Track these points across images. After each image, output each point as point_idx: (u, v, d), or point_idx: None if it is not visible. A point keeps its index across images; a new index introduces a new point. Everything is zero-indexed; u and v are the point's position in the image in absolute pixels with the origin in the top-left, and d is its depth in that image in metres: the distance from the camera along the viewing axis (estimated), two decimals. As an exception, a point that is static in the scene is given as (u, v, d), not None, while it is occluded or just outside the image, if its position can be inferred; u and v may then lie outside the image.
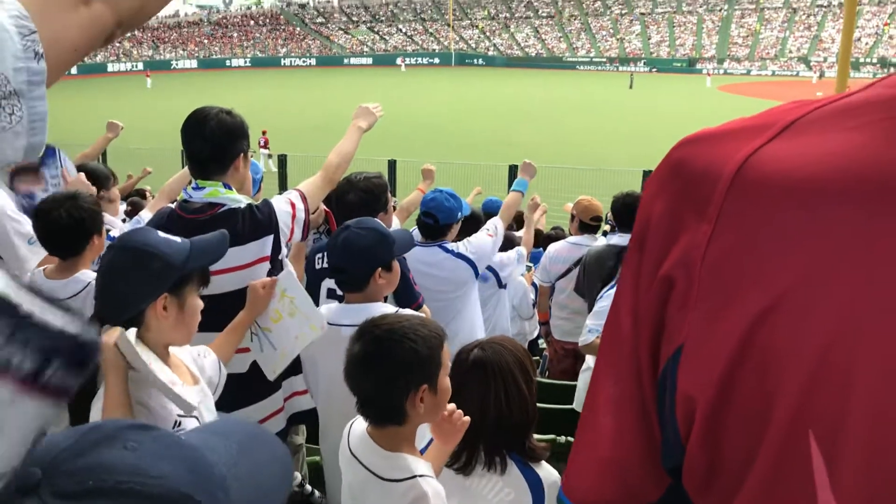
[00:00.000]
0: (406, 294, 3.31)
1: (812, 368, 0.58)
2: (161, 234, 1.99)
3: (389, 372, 1.88)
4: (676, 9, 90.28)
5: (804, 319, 0.59)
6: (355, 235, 2.73)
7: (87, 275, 2.82)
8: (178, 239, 2.00)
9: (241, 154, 2.90)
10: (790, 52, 74.28)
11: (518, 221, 8.92)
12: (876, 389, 0.55)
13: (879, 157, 0.57)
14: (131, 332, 1.84)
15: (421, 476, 1.86)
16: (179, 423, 1.92)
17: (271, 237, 2.81)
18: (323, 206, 3.74)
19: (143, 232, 2.01)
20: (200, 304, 2.06)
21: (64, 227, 2.82)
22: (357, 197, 3.54)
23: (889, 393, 0.55)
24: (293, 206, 2.92)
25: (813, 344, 0.58)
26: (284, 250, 2.91)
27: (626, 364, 0.76)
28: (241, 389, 2.69)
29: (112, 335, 1.83)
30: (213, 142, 2.82)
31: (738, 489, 0.65)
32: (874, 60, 64.33)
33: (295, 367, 2.98)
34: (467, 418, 2.01)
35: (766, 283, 0.60)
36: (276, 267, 2.88)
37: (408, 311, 2.63)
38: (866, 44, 68.91)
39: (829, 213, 0.58)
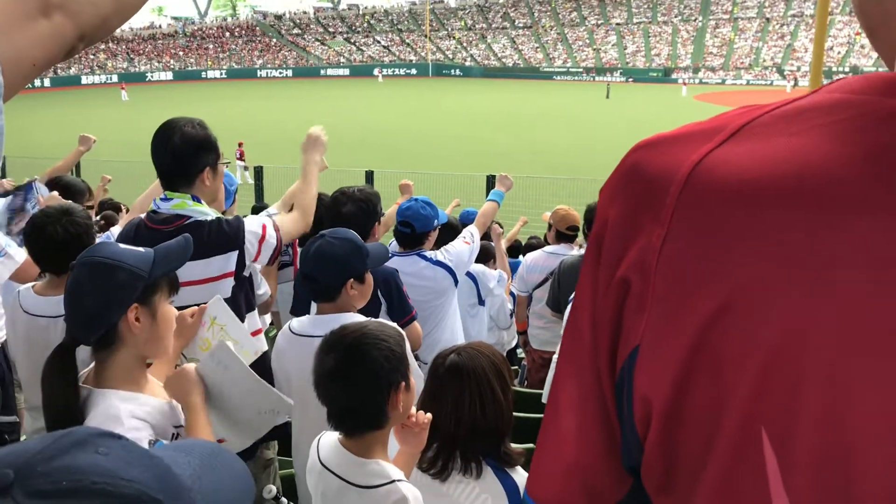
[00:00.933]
0: (400, 306, 3.31)
1: (762, 369, 0.59)
2: (122, 245, 1.97)
3: (369, 377, 1.89)
4: (651, 19, 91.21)
5: (753, 322, 0.60)
6: (328, 245, 2.72)
7: None
8: (140, 249, 1.98)
9: (208, 167, 2.88)
10: (764, 61, 75.23)
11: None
12: (823, 390, 0.56)
13: (819, 161, 0.59)
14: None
15: (399, 480, 1.87)
16: None
17: (236, 253, 2.80)
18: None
19: (103, 246, 1.97)
20: (174, 312, 2.03)
21: (60, 243, 2.78)
22: (355, 208, 3.55)
23: (835, 393, 0.56)
24: (264, 228, 2.90)
25: (762, 346, 0.59)
26: (255, 267, 2.89)
27: (586, 366, 0.77)
28: None
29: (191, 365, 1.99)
30: (177, 155, 2.81)
31: (695, 488, 0.66)
32: (846, 69, 65.24)
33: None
34: (429, 416, 2.04)
35: (716, 286, 0.62)
36: (240, 283, 2.86)
37: (361, 317, 2.62)
38: (839, 53, 69.92)
39: (772, 217, 0.60)
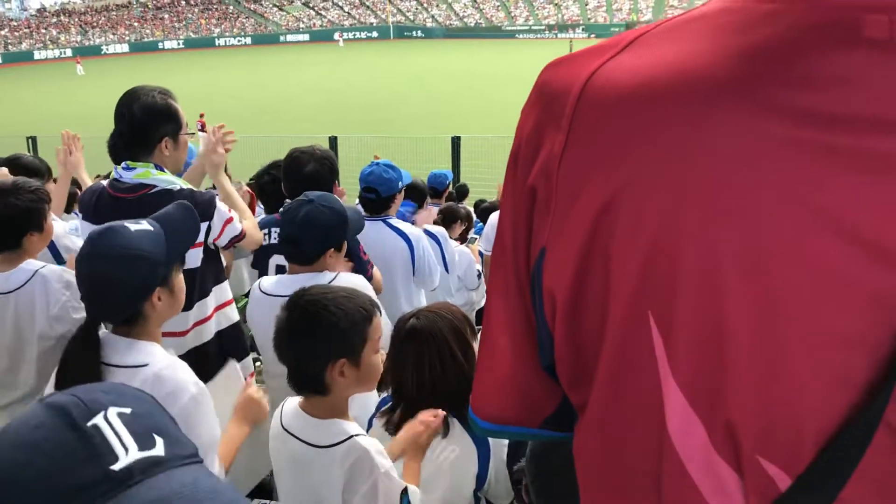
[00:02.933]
0: (359, 264, 3.31)
1: (644, 257, 0.64)
2: (132, 228, 1.96)
3: (307, 342, 1.89)
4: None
5: (636, 212, 0.64)
6: (318, 212, 2.72)
7: (33, 264, 2.75)
8: (149, 227, 1.99)
9: (167, 137, 2.86)
10: (724, 12, 75.17)
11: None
12: (696, 271, 0.62)
13: (697, 63, 0.63)
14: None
15: (357, 435, 1.88)
16: None
17: (206, 225, 2.79)
18: (246, 188, 3.72)
19: (117, 235, 1.94)
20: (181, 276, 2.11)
21: (5, 219, 2.75)
22: (318, 166, 3.50)
23: (706, 272, 0.62)
24: (231, 217, 2.90)
25: (643, 235, 0.64)
26: (219, 241, 2.89)
27: (511, 277, 0.82)
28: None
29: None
30: (135, 124, 2.79)
31: (595, 376, 0.72)
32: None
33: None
34: (437, 421, 2.03)
35: (604, 183, 0.66)
36: (208, 255, 2.86)
37: (344, 281, 2.64)
38: None
39: (653, 114, 0.64)
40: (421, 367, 2.15)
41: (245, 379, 2.45)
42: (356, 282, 2.75)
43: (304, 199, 2.79)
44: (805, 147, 0.58)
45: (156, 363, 1.91)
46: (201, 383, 1.95)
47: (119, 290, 1.91)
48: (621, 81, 0.67)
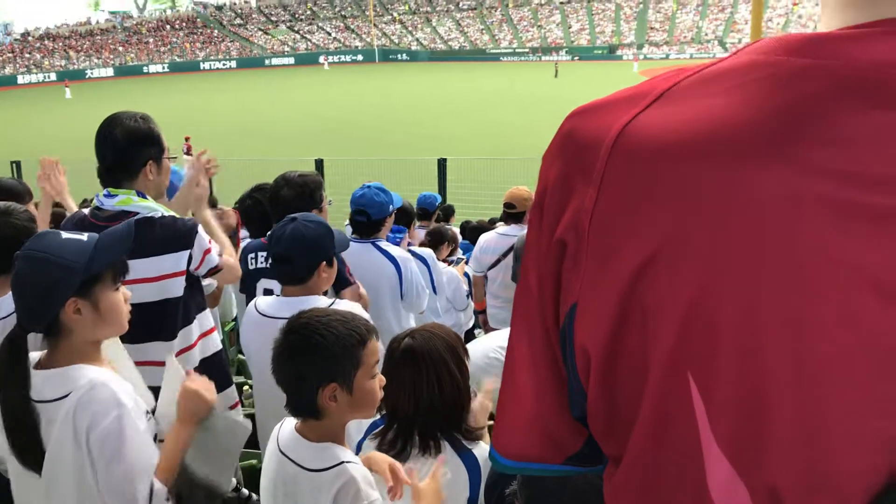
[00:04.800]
0: (339, 282, 3.29)
1: (683, 317, 0.63)
2: (65, 235, 1.96)
3: (298, 366, 1.89)
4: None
5: (674, 271, 0.63)
6: (304, 227, 2.73)
7: None
8: (83, 237, 1.96)
9: (151, 161, 2.84)
10: (706, 35, 76.20)
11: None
12: (736, 334, 0.61)
13: (732, 119, 0.62)
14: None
15: (347, 462, 1.86)
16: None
17: (188, 253, 2.77)
18: (231, 209, 3.70)
19: (45, 238, 1.96)
20: (121, 298, 2.03)
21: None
22: (292, 192, 3.50)
23: (747, 337, 0.61)
24: (211, 248, 2.88)
25: (684, 293, 0.63)
26: (199, 271, 2.87)
27: (536, 323, 0.81)
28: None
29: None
30: (119, 149, 2.78)
31: (632, 433, 0.71)
32: (785, 39, 66.18)
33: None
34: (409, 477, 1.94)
35: (642, 240, 0.65)
36: (191, 283, 2.83)
37: (341, 306, 2.62)
38: (777, 24, 71.21)
39: (689, 172, 0.64)
40: (419, 386, 2.15)
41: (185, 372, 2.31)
42: (354, 307, 2.73)
43: (288, 218, 2.80)
44: (842, 207, 0.58)
45: (77, 389, 1.85)
46: (128, 401, 1.88)
47: (30, 291, 1.89)
48: (655, 137, 0.67)
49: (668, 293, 0.64)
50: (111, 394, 1.87)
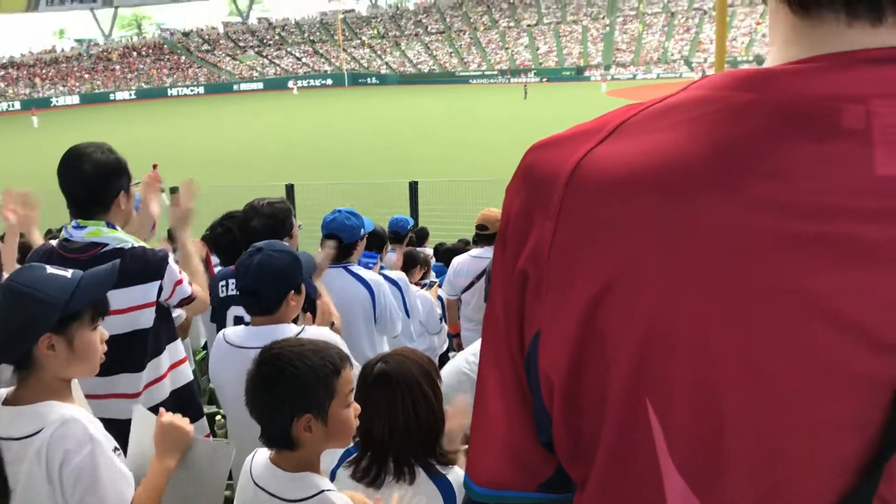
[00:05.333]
0: (311, 308, 3.27)
1: (640, 343, 0.65)
2: (50, 269, 1.94)
3: (272, 397, 1.87)
4: (561, 19, 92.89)
5: (630, 300, 0.66)
6: (269, 257, 2.70)
7: None
8: (67, 274, 1.94)
9: (122, 191, 2.82)
10: (672, 55, 77.38)
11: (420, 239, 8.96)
12: (691, 359, 0.64)
13: (680, 153, 0.65)
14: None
15: (328, 490, 1.84)
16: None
17: (157, 284, 2.74)
18: (198, 241, 3.67)
19: (29, 271, 1.96)
20: (97, 337, 2.01)
21: None
22: (262, 223, 3.49)
23: (701, 362, 0.63)
24: (182, 277, 2.86)
25: (639, 322, 0.65)
26: (170, 301, 2.84)
27: (504, 350, 0.83)
28: None
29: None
30: (91, 183, 2.74)
31: (595, 456, 0.74)
32: (751, 58, 67.57)
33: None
34: None
35: (598, 270, 0.68)
36: (161, 315, 2.80)
37: (313, 335, 2.59)
38: (742, 43, 72.50)
39: (640, 205, 0.66)
40: (394, 411, 2.13)
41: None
42: (325, 335, 2.71)
43: (253, 249, 2.77)
44: (788, 236, 0.60)
45: (49, 426, 1.83)
46: (100, 438, 1.86)
47: (6, 323, 1.87)
48: (609, 170, 0.69)
49: (625, 322, 0.66)
50: (83, 429, 1.84)
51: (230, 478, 2.92)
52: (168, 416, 2.11)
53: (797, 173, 0.61)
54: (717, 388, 0.63)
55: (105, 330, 2.06)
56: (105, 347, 2.05)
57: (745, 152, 0.63)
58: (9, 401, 1.91)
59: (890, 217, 0.59)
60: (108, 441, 1.90)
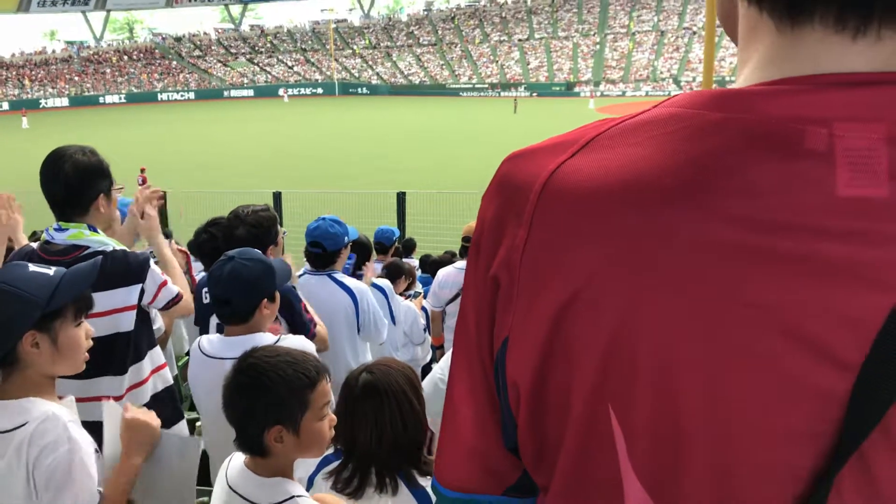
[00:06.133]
0: (301, 323, 3.27)
1: (604, 351, 0.67)
2: (32, 268, 1.96)
3: (244, 406, 1.87)
4: (553, 34, 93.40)
5: (595, 309, 0.68)
6: (241, 266, 2.69)
7: None
8: (49, 271, 1.96)
9: (102, 194, 2.82)
10: (661, 73, 77.97)
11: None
12: (653, 368, 0.66)
13: (649, 168, 0.67)
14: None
15: (299, 496, 1.85)
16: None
17: (139, 287, 2.74)
18: (178, 247, 3.67)
19: (10, 269, 1.97)
20: (82, 334, 2.02)
21: None
22: (246, 231, 3.49)
23: (662, 371, 0.65)
24: (166, 280, 2.86)
25: (603, 330, 0.67)
26: (154, 304, 2.83)
27: (474, 357, 0.85)
28: None
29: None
30: (70, 184, 2.74)
31: (557, 462, 0.76)
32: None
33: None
34: None
35: (566, 278, 0.70)
36: (142, 318, 2.80)
37: (290, 343, 2.59)
38: (730, 63, 72.93)
39: (609, 216, 0.68)
40: (381, 422, 2.13)
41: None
42: (302, 344, 2.70)
43: (225, 257, 2.77)
44: (749, 252, 0.62)
45: (32, 421, 1.85)
46: (78, 438, 1.87)
47: None
48: (579, 182, 0.71)
49: (590, 330, 0.68)
50: (63, 427, 1.86)
51: (208, 484, 2.92)
52: (132, 412, 2.11)
53: (763, 191, 0.63)
54: (676, 396, 0.65)
55: (90, 327, 2.07)
56: (90, 343, 2.06)
57: (714, 168, 0.65)
58: None
59: (851, 237, 0.60)
60: (87, 443, 1.90)
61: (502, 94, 77.15)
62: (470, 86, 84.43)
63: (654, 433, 0.67)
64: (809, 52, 0.66)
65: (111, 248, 2.74)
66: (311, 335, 3.20)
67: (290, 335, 2.84)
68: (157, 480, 2.10)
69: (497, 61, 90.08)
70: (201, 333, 3.44)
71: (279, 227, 3.69)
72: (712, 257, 0.63)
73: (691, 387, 0.65)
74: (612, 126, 0.75)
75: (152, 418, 2.12)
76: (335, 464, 2.21)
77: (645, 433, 0.68)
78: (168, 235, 5.15)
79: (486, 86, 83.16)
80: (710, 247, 0.63)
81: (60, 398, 2.02)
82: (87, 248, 2.71)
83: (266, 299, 2.73)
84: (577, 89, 76.79)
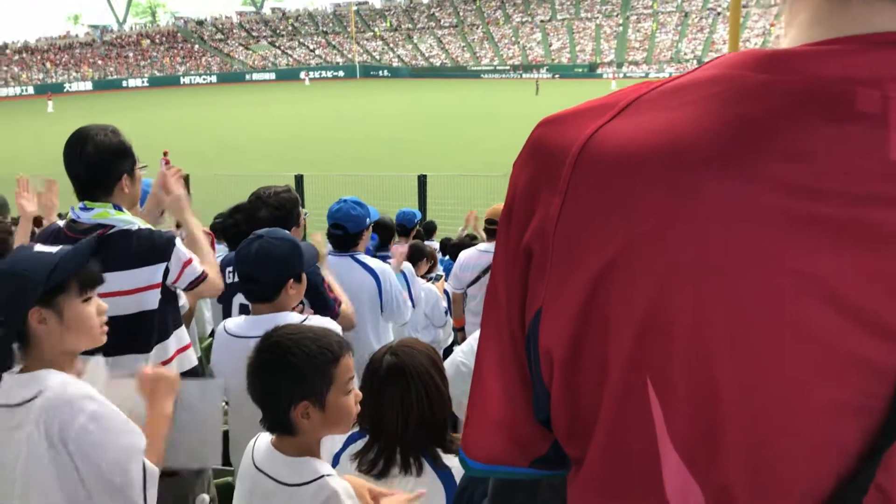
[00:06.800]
0: (323, 304, 3.28)
1: (641, 320, 0.65)
2: (37, 248, 2.03)
3: (270, 384, 1.88)
4: (575, 15, 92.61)
5: (632, 278, 0.65)
6: (269, 245, 2.70)
7: None
8: (52, 250, 2.00)
9: (125, 174, 2.83)
10: (685, 54, 77.10)
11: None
12: (689, 338, 0.63)
13: (691, 131, 0.64)
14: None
15: (328, 475, 1.85)
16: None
17: (164, 266, 2.75)
18: (205, 229, 3.69)
19: (16, 252, 2.06)
20: (91, 309, 2.05)
21: None
22: (269, 213, 3.50)
23: (699, 341, 0.63)
24: (191, 259, 2.86)
25: (640, 299, 0.65)
26: (178, 283, 2.85)
27: (504, 327, 0.82)
28: None
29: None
30: (92, 165, 2.75)
31: (592, 435, 0.73)
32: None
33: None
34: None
35: (602, 247, 0.67)
36: (167, 297, 2.81)
37: (314, 322, 2.60)
38: (755, 44, 71.99)
39: (648, 182, 0.65)
40: (408, 404, 2.13)
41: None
42: (327, 324, 2.71)
43: (254, 236, 2.77)
44: (794, 217, 0.60)
45: (47, 390, 1.89)
46: (98, 397, 1.93)
47: None
48: (618, 147, 0.68)
49: (626, 299, 0.66)
50: (80, 389, 1.91)
51: (230, 464, 2.95)
52: (150, 367, 2.21)
53: (809, 155, 0.60)
54: (714, 366, 0.63)
55: (103, 303, 2.11)
56: (105, 319, 2.10)
57: (758, 132, 0.62)
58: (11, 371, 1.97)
59: None
60: (109, 404, 1.95)
61: (524, 75, 76.74)
62: (491, 67, 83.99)
63: (691, 404, 0.65)
64: (858, 12, 0.63)
65: (136, 227, 2.76)
66: (334, 314, 3.21)
67: (316, 315, 2.85)
68: (184, 427, 2.17)
69: (519, 42, 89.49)
70: (224, 312, 3.47)
71: (301, 208, 3.70)
72: (755, 223, 0.61)
73: (728, 357, 0.62)
74: (652, 89, 0.73)
75: (168, 371, 2.21)
76: (361, 444, 2.23)
77: (682, 404, 0.65)
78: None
79: (508, 67, 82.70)
80: (753, 213, 0.61)
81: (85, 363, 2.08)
82: (113, 226, 2.73)
83: (292, 279, 2.74)
84: (599, 70, 76.16)
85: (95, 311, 2.07)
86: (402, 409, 2.13)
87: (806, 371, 0.61)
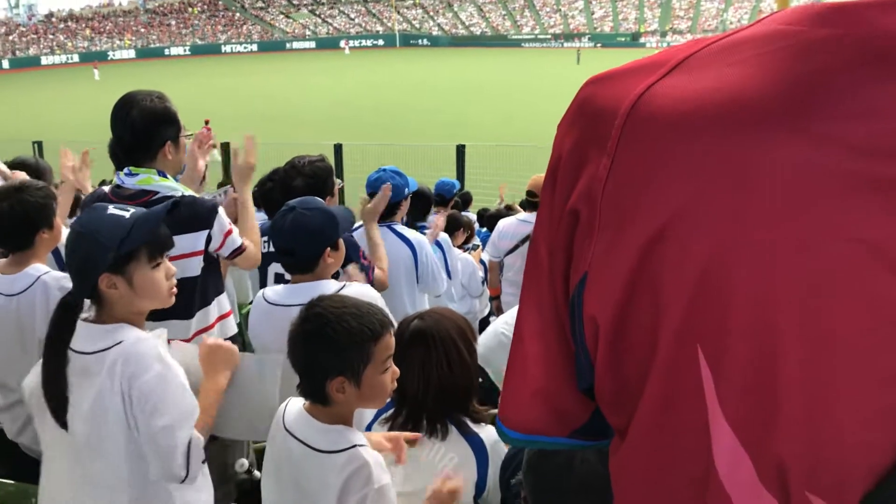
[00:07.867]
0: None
1: (694, 289, 0.62)
2: (110, 210, 2.04)
3: (309, 353, 1.88)
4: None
5: (686, 244, 0.63)
6: (303, 216, 2.71)
7: (38, 269, 2.77)
8: (126, 214, 2.02)
9: (169, 141, 2.86)
10: (731, 23, 75.23)
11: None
12: (750, 308, 0.61)
13: (750, 89, 0.61)
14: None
15: (360, 445, 1.86)
16: None
17: (206, 233, 2.79)
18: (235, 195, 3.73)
19: (91, 212, 2.07)
20: (160, 275, 2.09)
21: (12, 220, 2.75)
22: (304, 182, 3.51)
23: (760, 311, 0.60)
24: (231, 229, 2.89)
25: (694, 266, 0.62)
26: (221, 251, 2.89)
27: (546, 294, 0.80)
28: None
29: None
30: (137, 129, 2.78)
31: (639, 404, 0.71)
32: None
33: None
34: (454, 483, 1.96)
35: (654, 211, 0.65)
36: (209, 264, 2.85)
37: (354, 291, 2.62)
38: (803, 12, 70.09)
39: (703, 144, 0.62)
40: (428, 367, 2.15)
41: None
42: (367, 293, 2.71)
43: (287, 208, 2.78)
44: (860, 180, 0.57)
45: (121, 344, 1.95)
46: (168, 360, 1.98)
47: (70, 262, 2.02)
48: (671, 105, 0.65)
49: (679, 265, 0.63)
50: (153, 348, 1.97)
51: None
52: (212, 339, 2.27)
53: (874, 113, 0.57)
54: (773, 336, 0.61)
55: (172, 266, 2.16)
56: (174, 282, 2.15)
57: (819, 90, 0.59)
58: (88, 320, 2.03)
59: None
60: (177, 366, 2.02)
61: (565, 44, 75.60)
62: (532, 36, 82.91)
63: (746, 375, 0.62)
64: None
65: (180, 194, 2.79)
66: (369, 281, 3.23)
67: (355, 283, 2.86)
68: (241, 403, 2.21)
69: (560, 11, 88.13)
70: (260, 279, 3.51)
71: (334, 178, 3.72)
72: (818, 185, 0.58)
73: (789, 325, 0.60)
74: (706, 45, 0.70)
75: (230, 345, 2.26)
76: (391, 411, 2.26)
77: (736, 376, 0.63)
78: (226, 184, 5.25)
79: (549, 36, 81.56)
80: (815, 175, 0.58)
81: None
82: (157, 193, 2.77)
83: (329, 248, 2.76)
84: (642, 40, 74.72)
85: (164, 275, 2.11)
86: (423, 374, 2.15)
87: (871, 340, 0.58)
